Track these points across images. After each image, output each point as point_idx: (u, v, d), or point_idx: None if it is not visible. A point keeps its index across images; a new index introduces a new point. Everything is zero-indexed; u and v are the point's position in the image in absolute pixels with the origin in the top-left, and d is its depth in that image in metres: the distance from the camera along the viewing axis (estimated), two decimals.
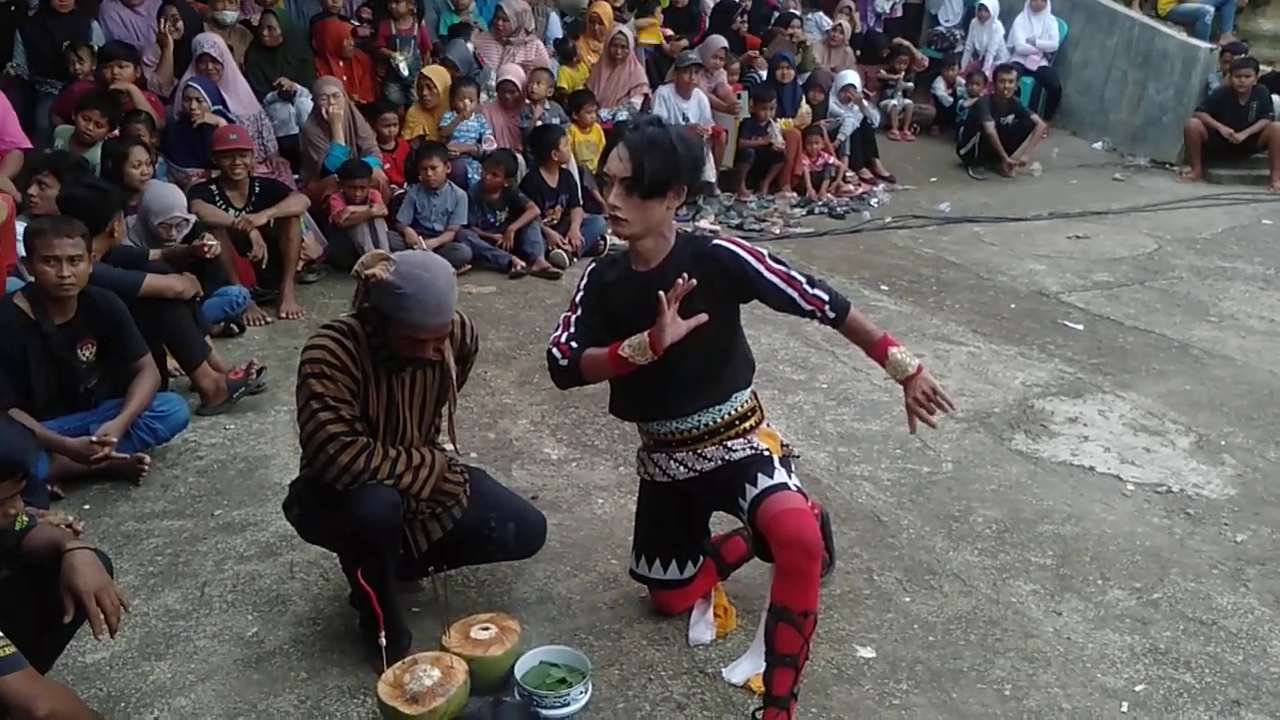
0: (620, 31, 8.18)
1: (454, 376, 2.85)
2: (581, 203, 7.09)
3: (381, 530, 2.66)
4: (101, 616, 2.25)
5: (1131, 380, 4.86)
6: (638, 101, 8.20)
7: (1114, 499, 3.75)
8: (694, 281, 2.46)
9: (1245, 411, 4.49)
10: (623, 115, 8.09)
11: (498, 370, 4.92)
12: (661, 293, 2.45)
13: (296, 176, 6.71)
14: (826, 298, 2.63)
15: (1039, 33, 10.49)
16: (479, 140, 7.09)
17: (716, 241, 2.67)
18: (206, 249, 4.80)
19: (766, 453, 2.67)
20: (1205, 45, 9.90)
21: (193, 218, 5.02)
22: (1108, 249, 7.18)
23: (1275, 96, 9.21)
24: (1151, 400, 4.61)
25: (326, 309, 5.68)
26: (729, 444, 2.70)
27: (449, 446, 3.01)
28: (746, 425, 2.73)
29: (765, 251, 2.65)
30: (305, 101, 6.97)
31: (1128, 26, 10.30)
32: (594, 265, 2.81)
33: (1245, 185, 9.03)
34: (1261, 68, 9.50)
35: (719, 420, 2.71)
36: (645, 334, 2.49)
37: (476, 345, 2.99)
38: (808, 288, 2.63)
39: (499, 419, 4.41)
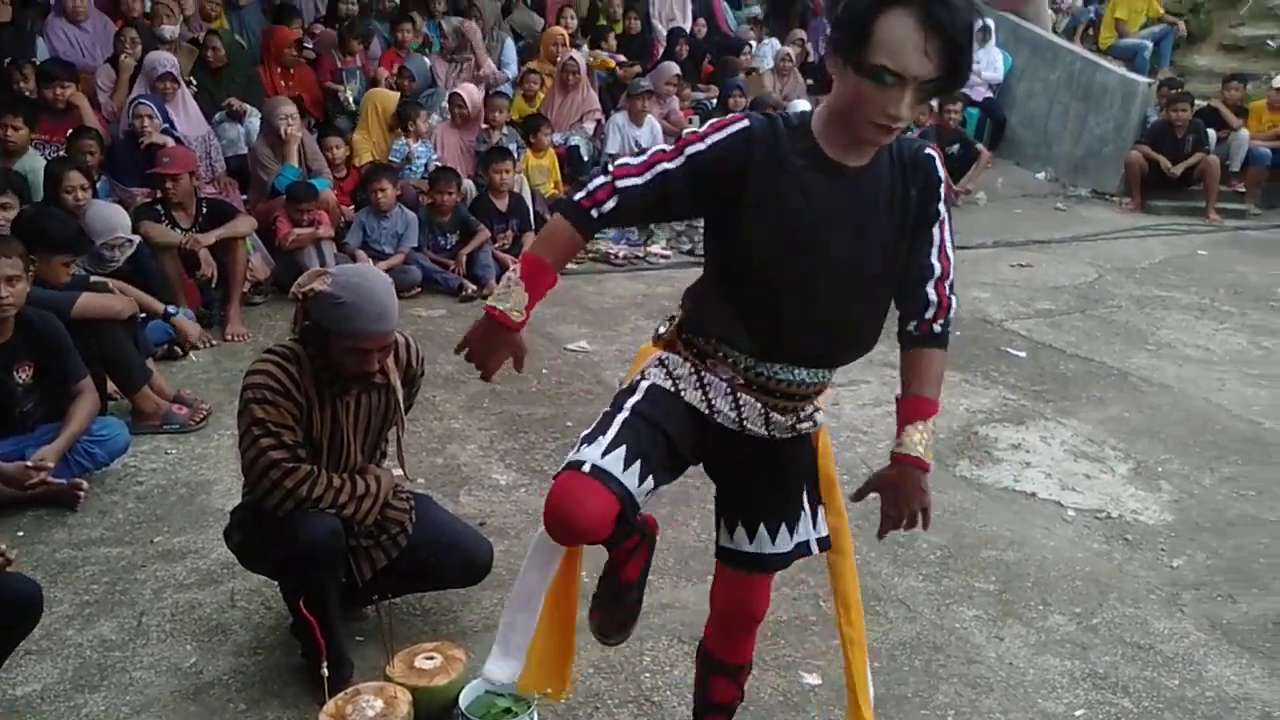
0: (572, 58, 8.22)
1: (400, 399, 2.84)
2: (534, 227, 7.09)
3: (322, 558, 2.63)
4: None
5: (1072, 407, 4.95)
6: (590, 127, 8.25)
7: (1055, 525, 3.81)
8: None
9: (1182, 439, 4.59)
10: (576, 140, 8.14)
11: (446, 395, 4.88)
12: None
13: (245, 197, 6.65)
14: (955, 304, 2.03)
15: (984, 65, 10.69)
16: (426, 167, 7.09)
17: (928, 149, 2.00)
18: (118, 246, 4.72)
19: (813, 478, 2.23)
20: (1144, 80, 10.16)
21: (136, 238, 4.94)
22: (1050, 277, 7.33)
23: (1210, 130, 9.47)
24: (1092, 427, 4.70)
25: (273, 331, 5.61)
26: (804, 411, 2.12)
27: (397, 472, 3.00)
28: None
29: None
30: (254, 121, 6.92)
31: (1070, 61, 10.55)
32: (750, 125, 1.91)
33: (1182, 216, 9.25)
34: (1197, 102, 9.77)
35: (828, 379, 2.11)
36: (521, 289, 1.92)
37: (422, 369, 2.98)
38: (950, 278, 2.01)
39: (447, 444, 4.38)
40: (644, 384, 2.07)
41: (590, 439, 1.96)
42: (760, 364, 2.02)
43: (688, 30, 10.25)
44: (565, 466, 1.94)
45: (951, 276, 2.00)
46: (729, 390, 2.05)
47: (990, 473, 4.23)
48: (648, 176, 1.91)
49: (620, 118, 8.20)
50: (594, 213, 1.92)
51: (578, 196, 1.94)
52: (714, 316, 2.05)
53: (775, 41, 10.79)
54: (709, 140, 1.91)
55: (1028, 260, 7.74)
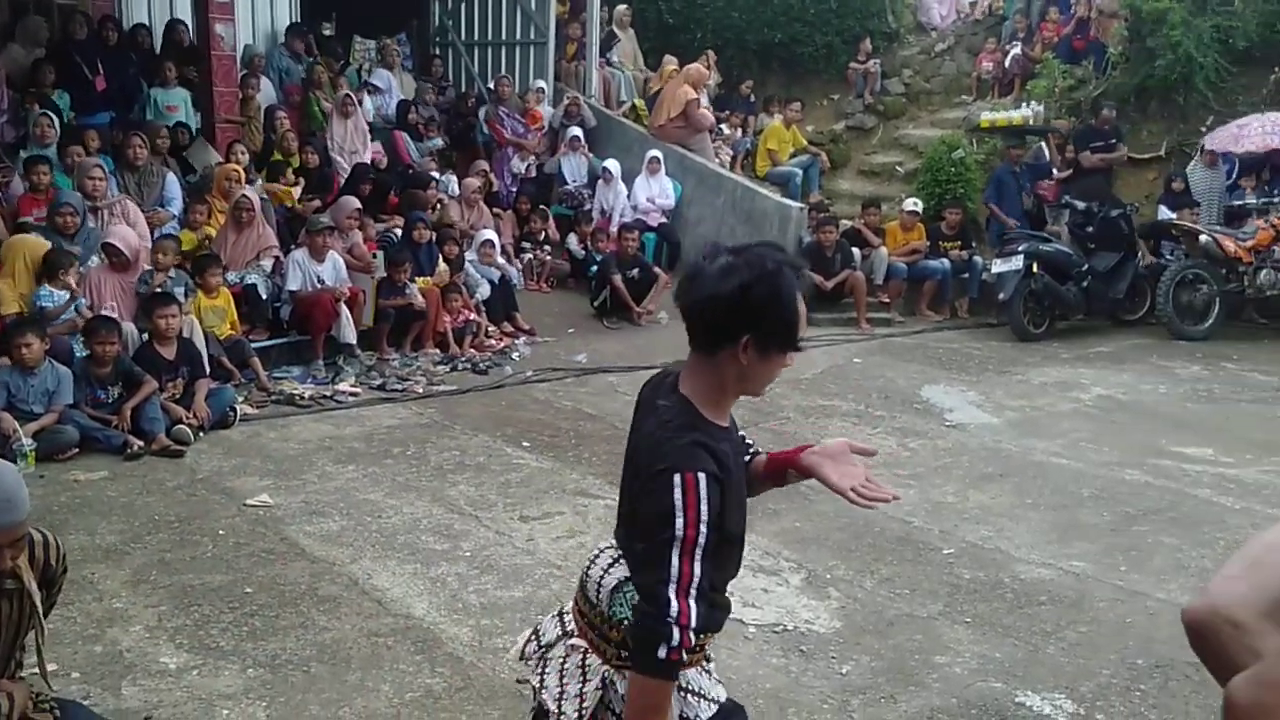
0: (245, 194, 7.99)
1: (38, 603, 2.57)
2: (208, 372, 6.73)
3: None
4: None
5: (751, 521, 5.19)
6: (268, 264, 8.01)
7: (738, 643, 4.00)
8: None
9: (845, 544, 4.98)
10: (253, 278, 7.87)
11: (107, 570, 4.47)
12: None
13: None
14: None
15: (657, 193, 11.41)
16: (78, 312, 6.59)
17: None
18: None
19: None
20: (796, 205, 11.21)
21: None
22: None
23: (855, 249, 10.55)
24: (768, 540, 5.00)
25: None
26: None
27: (35, 672, 2.70)
28: None
29: None
30: None
31: (731, 188, 11.47)
32: (705, 458, 2.00)
33: (838, 327, 10.18)
34: (842, 223, 10.89)
35: None
36: None
37: (65, 565, 2.72)
38: None
39: (107, 628, 3.99)
40: None
41: None
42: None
43: (368, 161, 10.26)
44: None
45: None
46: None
47: None
48: (699, 580, 1.93)
49: (300, 254, 8.03)
50: (686, 658, 1.96)
51: (663, 655, 1.91)
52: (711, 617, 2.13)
53: (453, 177, 10.96)
54: (709, 500, 1.95)
55: None
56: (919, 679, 3.75)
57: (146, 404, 6.15)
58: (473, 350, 8.71)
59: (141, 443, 5.97)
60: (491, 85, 12.42)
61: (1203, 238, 9.96)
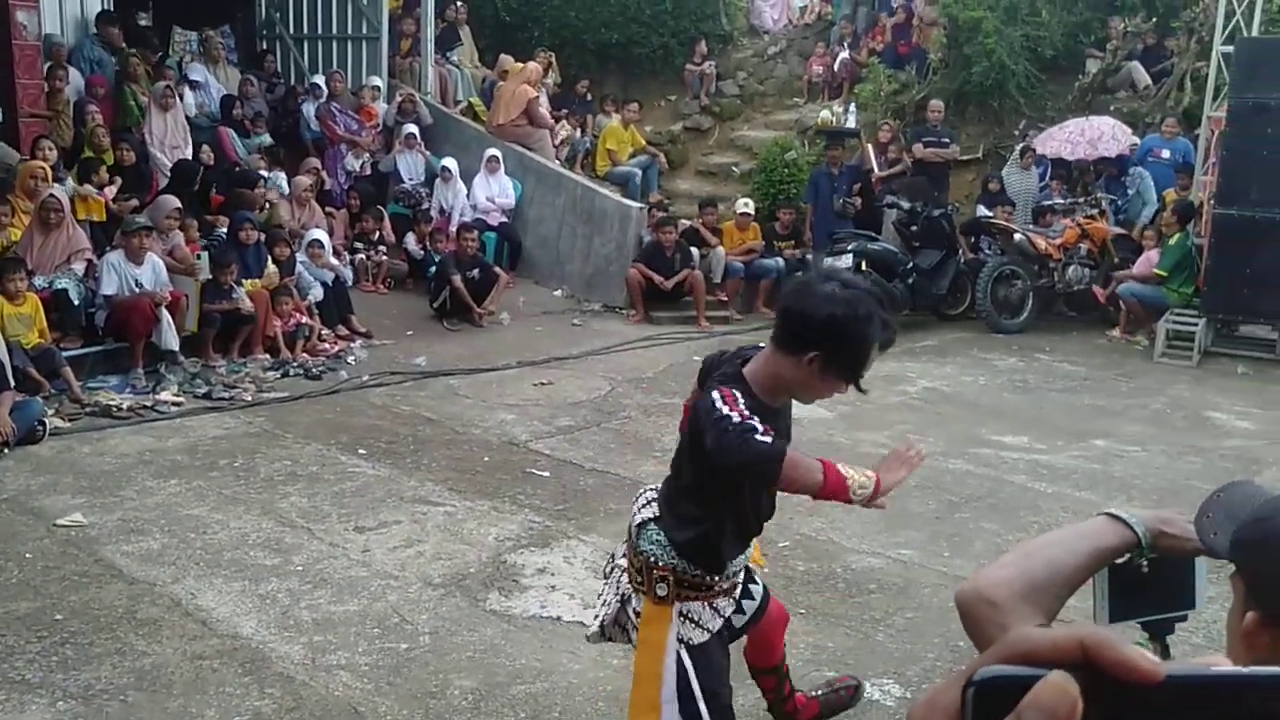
0: (53, 194, 7.50)
1: None
2: (12, 384, 6.28)
3: None
4: None
5: (592, 522, 5.26)
6: (80, 267, 7.55)
7: (579, 647, 3.98)
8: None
9: None
10: (63, 283, 7.39)
11: None
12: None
13: None
14: None
15: (496, 192, 11.31)
16: None
17: None
18: None
19: None
20: (636, 205, 11.30)
21: None
22: (569, 393, 7.80)
23: (693, 249, 10.71)
24: (609, 540, 4.99)
25: None
26: None
27: None
28: None
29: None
30: None
31: (572, 188, 11.47)
32: (739, 383, 2.48)
33: (679, 325, 10.32)
34: (681, 223, 11.03)
35: None
36: (873, 474, 2.44)
37: None
38: None
39: None
40: (688, 658, 2.56)
41: None
42: (731, 564, 2.69)
43: (190, 157, 9.78)
44: None
45: None
46: (726, 594, 2.72)
47: (519, 602, 4.35)
48: (747, 417, 2.36)
49: (116, 256, 7.58)
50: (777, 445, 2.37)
51: (768, 440, 2.32)
52: (722, 554, 2.62)
53: (282, 174, 10.56)
54: (744, 401, 2.39)
55: (549, 378, 8.19)
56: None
57: None
58: (305, 355, 8.41)
59: None
60: (322, 80, 12.05)
61: (1017, 236, 10.55)
